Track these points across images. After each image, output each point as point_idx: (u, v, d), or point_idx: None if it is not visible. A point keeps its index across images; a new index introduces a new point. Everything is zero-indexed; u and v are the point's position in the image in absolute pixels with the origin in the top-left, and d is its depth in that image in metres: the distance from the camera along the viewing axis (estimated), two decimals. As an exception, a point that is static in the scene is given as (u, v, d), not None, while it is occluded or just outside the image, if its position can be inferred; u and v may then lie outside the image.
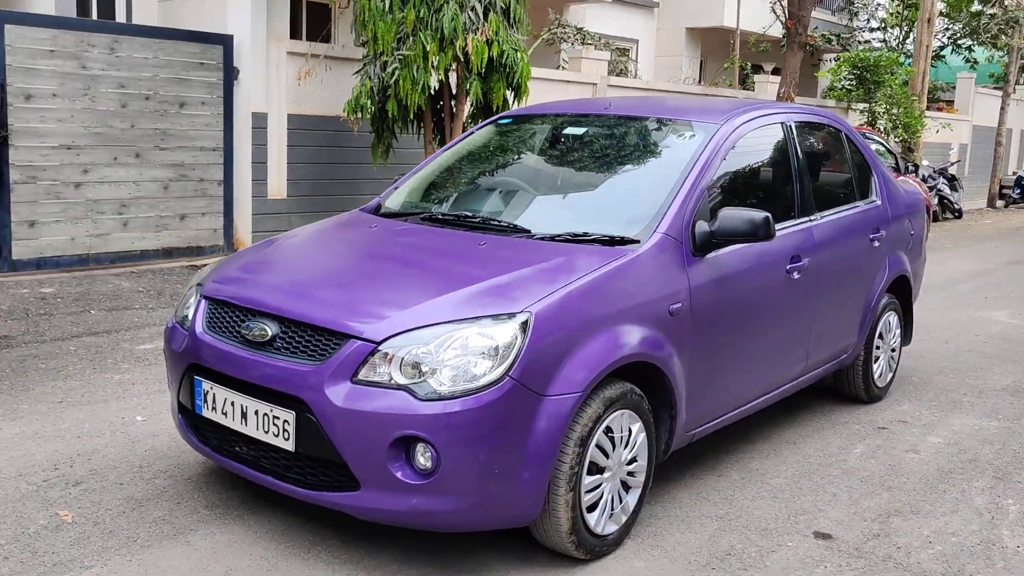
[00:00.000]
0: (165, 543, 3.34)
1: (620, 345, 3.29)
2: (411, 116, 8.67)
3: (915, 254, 5.69)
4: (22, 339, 6.09)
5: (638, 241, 3.61)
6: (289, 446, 3.11)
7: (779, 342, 4.30)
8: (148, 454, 4.17)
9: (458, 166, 4.58)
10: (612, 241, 3.62)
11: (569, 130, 4.50)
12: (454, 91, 9.11)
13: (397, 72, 8.42)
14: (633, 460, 3.47)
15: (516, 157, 4.52)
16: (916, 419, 5.22)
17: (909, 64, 17.94)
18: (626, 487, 3.48)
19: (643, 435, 3.49)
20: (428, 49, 8.31)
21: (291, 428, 3.09)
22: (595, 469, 3.28)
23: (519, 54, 8.89)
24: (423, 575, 3.21)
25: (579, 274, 3.31)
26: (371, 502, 3.01)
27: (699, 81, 19.05)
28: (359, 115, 8.70)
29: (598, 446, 3.27)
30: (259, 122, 9.15)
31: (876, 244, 5.10)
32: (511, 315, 3.06)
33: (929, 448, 4.76)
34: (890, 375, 5.56)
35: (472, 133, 4.81)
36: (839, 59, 16.95)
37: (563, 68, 13.78)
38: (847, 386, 5.33)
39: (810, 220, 4.52)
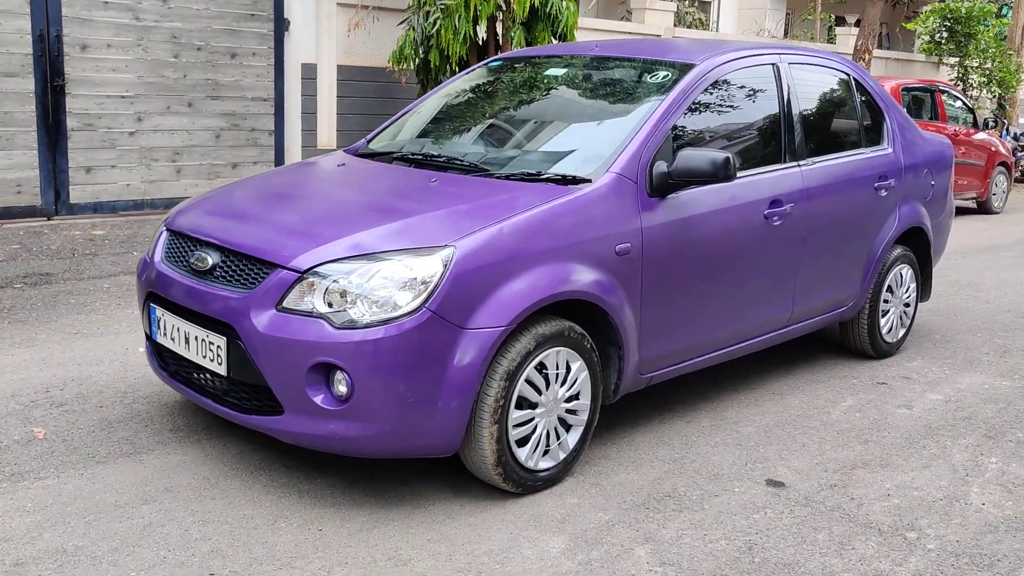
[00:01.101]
0: (120, 460, 3.52)
1: (553, 283, 3.28)
2: (454, 66, 8.69)
3: (937, 207, 5.45)
4: (62, 276, 6.42)
5: (590, 180, 3.58)
6: (222, 370, 3.23)
7: (755, 289, 4.20)
8: (137, 381, 4.38)
9: (443, 107, 4.60)
10: (564, 180, 3.60)
11: (551, 71, 4.47)
12: (500, 41, 9.08)
13: (439, 22, 8.45)
14: (574, 398, 3.48)
15: (496, 98, 4.50)
16: (922, 376, 5.04)
17: (1008, 15, 16.96)
18: (566, 425, 3.49)
19: (585, 374, 3.48)
20: (470, -2, 8.29)
21: (223, 353, 3.20)
22: (526, 404, 3.30)
23: (565, 3, 8.79)
24: (354, 501, 3.30)
25: (516, 211, 3.31)
26: (293, 426, 3.11)
27: (785, 35, 18.44)
28: (403, 66, 8.78)
29: (528, 381, 3.28)
30: (309, 73, 9.32)
31: (883, 193, 4.91)
32: (434, 248, 3.09)
33: (924, 404, 4.60)
34: (903, 331, 5.37)
35: (463, 75, 4.82)
36: (930, 10, 16.12)
37: (626, 19, 13.54)
38: (852, 340, 5.18)
39: (798, 165, 4.39)
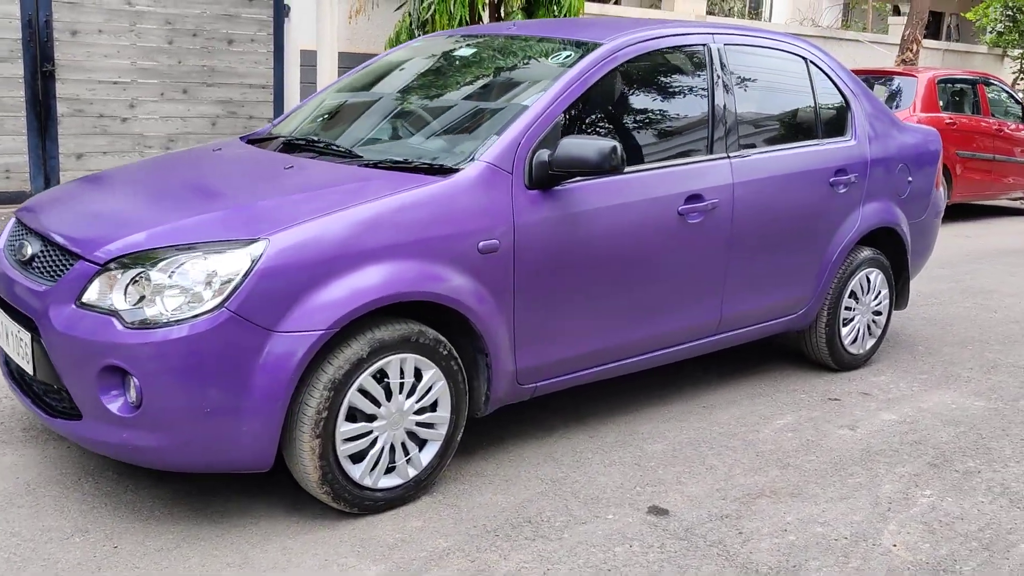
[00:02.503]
0: (-49, 461, 3.33)
1: (392, 283, 2.95)
2: (449, 53, 8.40)
3: (916, 206, 4.93)
4: (22, 263, 6.32)
5: (458, 170, 3.24)
6: (30, 369, 3.00)
7: (667, 292, 3.80)
8: (23, 375, 4.19)
9: (350, 88, 4.30)
10: (432, 169, 3.27)
11: (459, 52, 4.13)
12: (501, 27, 8.76)
13: (434, 7, 8.17)
14: (429, 410, 3.14)
15: (400, 80, 4.18)
16: (884, 392, 4.55)
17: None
18: (419, 440, 3.16)
19: (442, 383, 3.15)
20: (465, -19, 8.00)
21: (29, 351, 2.97)
22: (362, 416, 2.99)
23: (568, -14, 8.42)
24: (172, 515, 3.03)
25: (356, 202, 2.99)
26: (91, 433, 2.86)
27: (843, 25, 17.61)
28: (400, 52, 8.52)
29: (363, 391, 2.96)
30: (309, 60, 9.12)
31: (842, 190, 4.44)
32: (244, 241, 2.79)
33: (872, 426, 4.12)
34: (871, 341, 4.87)
35: (385, 55, 4.51)
36: (995, -2, 15.16)
37: (655, 6, 13.03)
38: (810, 350, 4.72)
39: (727, 157, 3.96)
